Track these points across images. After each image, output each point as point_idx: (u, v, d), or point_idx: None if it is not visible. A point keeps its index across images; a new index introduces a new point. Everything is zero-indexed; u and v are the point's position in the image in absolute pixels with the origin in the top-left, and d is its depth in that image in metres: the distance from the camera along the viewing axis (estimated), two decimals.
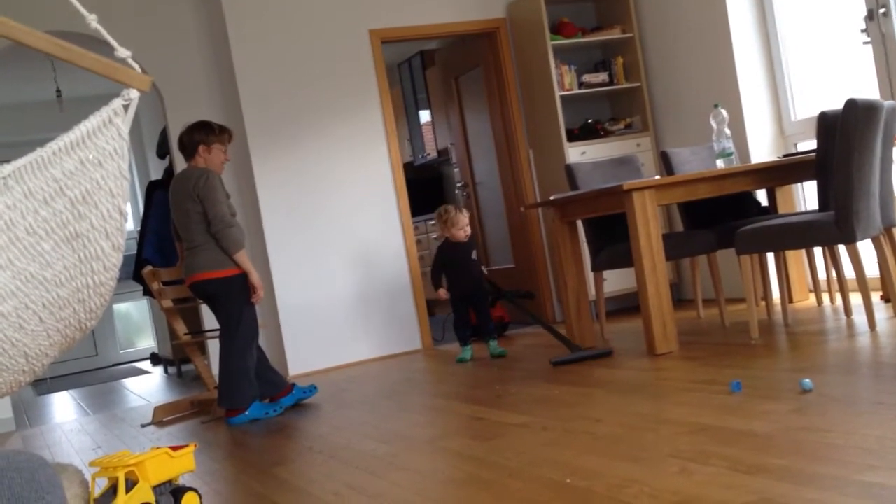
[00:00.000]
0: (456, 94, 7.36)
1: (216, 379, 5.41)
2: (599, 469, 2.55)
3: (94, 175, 1.91)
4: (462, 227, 5.33)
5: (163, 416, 5.09)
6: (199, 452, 3.72)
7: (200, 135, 4.57)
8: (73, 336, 2.00)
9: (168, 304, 5.26)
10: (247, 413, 4.49)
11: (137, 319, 10.44)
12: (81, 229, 1.90)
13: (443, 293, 5.41)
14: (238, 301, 4.55)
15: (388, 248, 6.22)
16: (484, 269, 5.49)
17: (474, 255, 5.40)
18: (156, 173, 8.69)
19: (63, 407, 6.81)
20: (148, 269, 5.26)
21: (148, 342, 10.24)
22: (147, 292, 7.11)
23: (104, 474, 2.75)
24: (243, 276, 4.53)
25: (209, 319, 6.18)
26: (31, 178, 1.88)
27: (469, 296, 5.41)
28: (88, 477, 2.70)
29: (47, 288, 1.89)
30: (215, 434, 4.36)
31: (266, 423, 4.42)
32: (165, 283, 5.27)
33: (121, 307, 10.25)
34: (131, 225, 9.31)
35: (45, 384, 8.75)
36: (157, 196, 7.21)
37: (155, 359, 9.13)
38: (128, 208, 2.04)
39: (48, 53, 1.94)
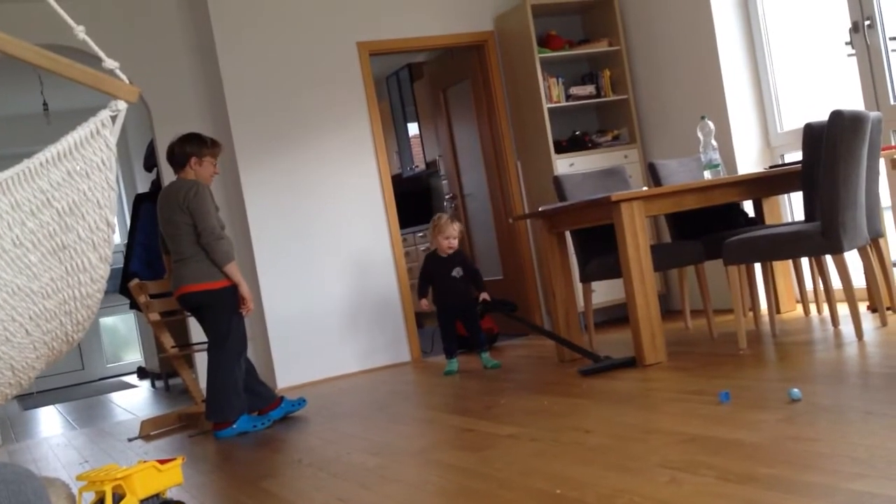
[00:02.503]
0: (444, 106, 7.37)
1: (204, 392, 5.40)
2: (589, 479, 2.54)
3: (81, 186, 1.90)
4: (448, 236, 5.29)
5: (150, 430, 5.06)
6: (187, 466, 3.70)
7: (193, 147, 4.56)
8: (59, 349, 1.99)
9: (155, 317, 5.24)
10: (234, 426, 4.47)
11: (124, 333, 10.39)
12: (68, 241, 1.89)
13: (424, 304, 5.39)
14: (226, 313, 4.53)
15: (377, 260, 6.22)
16: (486, 296, 5.33)
17: (456, 273, 5.34)
18: (143, 186, 8.67)
19: (49, 421, 6.76)
20: (135, 281, 5.24)
21: (135, 356, 10.19)
22: (134, 305, 7.08)
23: (91, 488, 2.73)
24: (232, 288, 4.52)
25: (197, 332, 6.15)
26: (17, 189, 1.87)
27: (454, 309, 5.39)
28: (75, 491, 2.68)
29: (34, 300, 1.88)
30: (203, 447, 4.33)
31: (254, 436, 4.40)
32: (152, 296, 5.25)
33: (107, 321, 10.20)
34: (118, 238, 9.27)
35: (32, 398, 8.69)
36: (145, 209, 7.19)
37: (142, 372, 9.08)
38: (115, 220, 2.03)
39: (35, 64, 1.94)
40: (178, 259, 4.54)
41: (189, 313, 4.92)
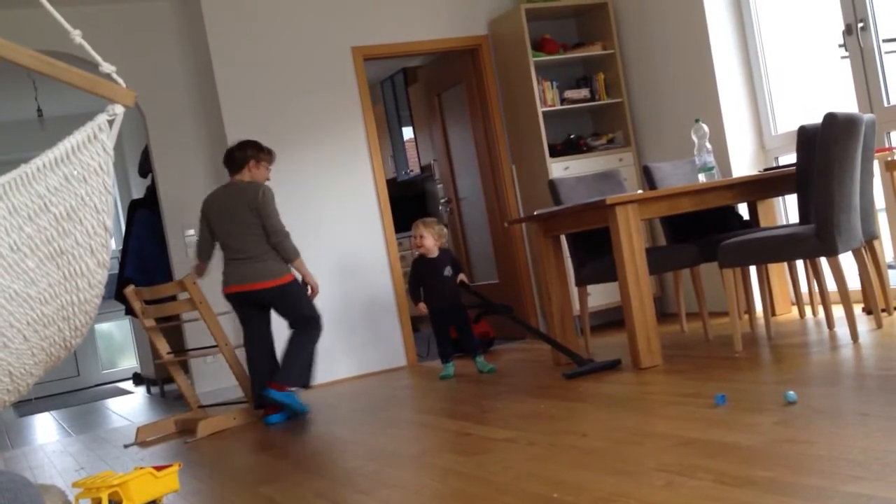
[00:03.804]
0: (439, 110, 7.38)
1: (199, 398, 5.40)
2: (586, 483, 2.55)
3: (78, 191, 1.90)
4: (414, 236, 5.36)
5: (146, 437, 5.05)
6: (184, 472, 3.69)
7: (253, 151, 4.93)
8: (57, 354, 1.98)
9: (150, 323, 5.23)
10: (286, 394, 4.72)
11: (119, 339, 10.36)
12: (66, 246, 1.89)
13: (423, 307, 5.40)
14: (300, 299, 4.88)
15: (372, 264, 6.21)
16: (463, 277, 5.42)
17: (447, 272, 5.36)
18: (137, 192, 8.65)
19: (45, 428, 6.74)
20: (130, 288, 5.23)
21: (130, 362, 10.16)
22: (129, 312, 7.06)
23: (87, 495, 2.73)
24: (296, 280, 4.88)
25: (192, 338, 6.14)
26: (15, 194, 1.87)
27: (445, 312, 5.39)
28: (72, 498, 2.67)
29: (32, 306, 1.88)
30: (199, 454, 4.32)
31: (250, 440, 4.40)
32: (148, 302, 5.24)
33: (103, 327, 10.17)
34: (113, 244, 9.25)
35: (27, 405, 8.67)
36: (140, 215, 7.17)
37: (137, 379, 9.06)
38: (112, 225, 2.03)
39: (32, 69, 1.94)
40: (241, 257, 4.80)
41: (257, 306, 4.96)
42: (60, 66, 1.95)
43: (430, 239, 5.36)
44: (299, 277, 4.94)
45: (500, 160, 6.65)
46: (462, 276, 5.44)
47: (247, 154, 4.90)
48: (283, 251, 4.79)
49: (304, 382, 4.82)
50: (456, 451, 3.33)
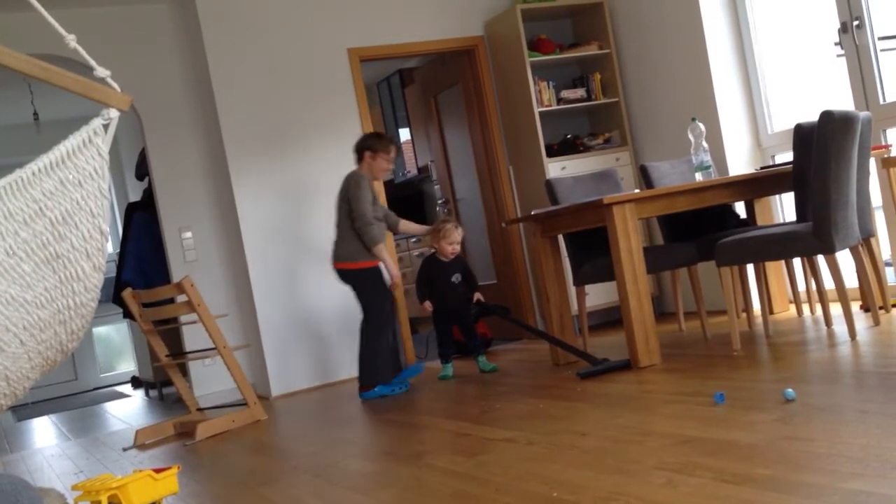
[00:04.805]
0: (435, 111, 7.38)
1: (198, 401, 5.41)
2: (586, 482, 2.55)
3: (74, 195, 1.90)
4: (451, 241, 5.29)
5: (145, 439, 5.04)
6: (183, 474, 3.69)
7: (370, 142, 5.24)
8: (54, 358, 1.98)
9: (148, 326, 5.23)
10: (375, 389, 5.01)
11: (118, 342, 10.36)
12: (62, 250, 1.89)
13: (428, 306, 5.39)
14: (369, 291, 5.12)
15: None
16: (479, 296, 5.36)
17: (456, 279, 5.33)
18: (134, 195, 8.65)
19: (43, 432, 6.73)
20: (128, 291, 5.23)
21: (128, 365, 10.16)
22: (127, 315, 7.06)
23: (87, 498, 2.73)
24: (376, 269, 5.12)
25: (190, 341, 6.14)
26: (10, 199, 1.87)
27: (452, 314, 5.39)
28: (71, 501, 2.67)
29: (28, 310, 1.87)
30: (198, 456, 4.32)
31: (249, 442, 4.39)
32: (146, 305, 5.24)
33: (101, 330, 10.16)
34: (110, 247, 9.25)
35: (25, 409, 8.66)
36: (137, 217, 7.16)
37: (136, 382, 9.06)
38: (108, 229, 2.02)
39: (26, 73, 1.94)
40: (335, 237, 5.22)
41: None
42: (55, 70, 1.95)
43: (458, 245, 5.37)
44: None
45: (497, 160, 6.65)
46: (478, 296, 5.35)
47: (364, 145, 5.21)
48: (363, 235, 5.04)
49: (372, 382, 5.04)
50: (455, 451, 3.33)
